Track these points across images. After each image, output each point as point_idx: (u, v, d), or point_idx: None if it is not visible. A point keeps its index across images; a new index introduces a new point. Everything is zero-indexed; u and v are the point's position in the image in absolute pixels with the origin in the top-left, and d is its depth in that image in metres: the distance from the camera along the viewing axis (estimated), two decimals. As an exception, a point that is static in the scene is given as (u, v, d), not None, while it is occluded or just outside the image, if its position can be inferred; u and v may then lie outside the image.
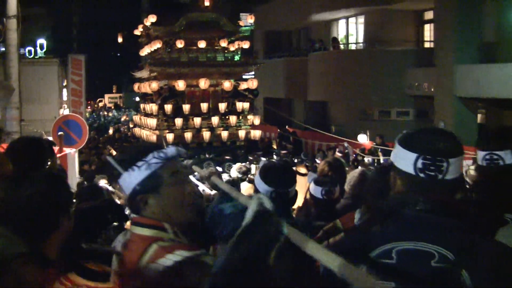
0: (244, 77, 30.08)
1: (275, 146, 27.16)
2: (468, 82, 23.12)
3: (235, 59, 28.12)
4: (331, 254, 1.68)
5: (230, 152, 25.91)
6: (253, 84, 27.86)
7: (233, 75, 28.10)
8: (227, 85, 27.07)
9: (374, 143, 22.85)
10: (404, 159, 2.41)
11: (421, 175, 2.35)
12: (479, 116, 25.49)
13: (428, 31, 30.13)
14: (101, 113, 62.85)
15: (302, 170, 6.98)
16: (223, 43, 27.51)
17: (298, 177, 6.48)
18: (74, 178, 12.58)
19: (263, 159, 19.58)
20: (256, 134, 27.73)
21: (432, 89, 25.77)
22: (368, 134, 24.80)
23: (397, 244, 2.26)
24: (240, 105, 27.52)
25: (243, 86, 27.93)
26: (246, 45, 28.15)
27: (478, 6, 24.10)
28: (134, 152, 2.81)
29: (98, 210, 4.53)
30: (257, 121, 28.18)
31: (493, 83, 21.48)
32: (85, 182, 13.99)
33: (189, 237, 2.85)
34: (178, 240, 2.71)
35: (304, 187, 6.32)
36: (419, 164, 2.35)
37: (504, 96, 21.09)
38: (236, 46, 27.99)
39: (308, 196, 5.80)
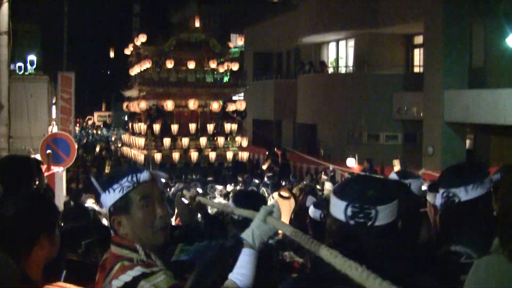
0: (233, 98, 30.10)
1: (264, 167, 27.12)
2: (457, 107, 23.21)
3: (224, 81, 28.29)
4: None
5: (217, 173, 25.90)
6: (241, 105, 28.12)
7: (221, 96, 28.28)
8: (215, 106, 27.31)
9: (363, 167, 22.84)
10: (336, 207, 2.50)
11: (351, 222, 2.44)
12: (467, 141, 25.56)
13: (418, 56, 30.25)
14: (89, 131, 62.72)
15: (285, 193, 7.04)
16: (212, 64, 27.66)
17: (282, 200, 6.59)
18: (61, 197, 12.51)
19: (256, 181, 19.48)
20: (243, 155, 27.92)
21: (421, 114, 25.85)
22: (356, 157, 24.83)
23: (329, 285, 2.34)
24: (228, 127, 27.64)
25: (232, 107, 28.11)
26: (235, 66, 28.21)
27: (467, 32, 24.28)
28: (112, 175, 3.01)
29: (81, 232, 4.50)
30: (245, 142, 28.43)
31: (481, 109, 21.57)
32: (72, 202, 13.92)
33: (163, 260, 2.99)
34: (149, 262, 2.83)
35: (289, 210, 6.37)
36: (349, 212, 2.44)
37: (492, 121, 21.18)
38: (225, 68, 28.08)
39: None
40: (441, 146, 23.99)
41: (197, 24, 27.99)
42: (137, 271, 2.69)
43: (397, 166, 21.34)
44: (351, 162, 24.57)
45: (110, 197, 2.88)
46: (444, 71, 24.03)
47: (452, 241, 3.23)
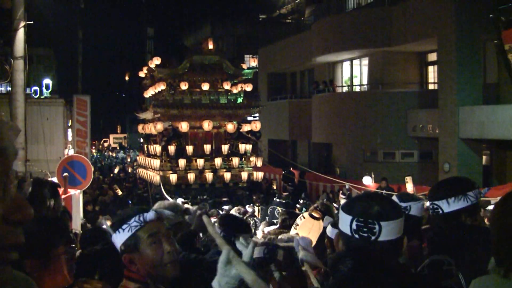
0: (248, 119, 30.22)
1: (275, 187, 27.24)
2: (472, 123, 23.17)
3: (238, 102, 28.39)
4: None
5: (232, 193, 25.95)
6: (256, 126, 28.30)
7: (236, 117, 28.34)
8: (230, 127, 27.42)
9: (379, 186, 22.75)
10: (343, 221, 2.71)
11: (356, 236, 2.63)
12: (483, 157, 25.49)
13: (432, 73, 30.23)
14: (105, 153, 63.01)
15: (316, 214, 7.15)
16: (226, 86, 27.73)
17: (312, 221, 6.67)
18: (78, 219, 12.59)
19: (277, 200, 19.49)
20: (258, 175, 27.92)
21: (436, 131, 25.80)
22: (372, 176, 24.78)
23: None
24: (243, 147, 27.70)
25: (246, 128, 28.30)
26: (248, 87, 28.38)
27: (480, 48, 24.27)
28: (120, 216, 3.18)
29: (98, 256, 4.55)
30: (259, 163, 28.38)
31: (497, 124, 21.52)
32: (88, 224, 13.99)
33: None
34: None
35: (318, 231, 6.41)
36: (354, 226, 2.63)
37: (508, 137, 21.12)
38: (239, 89, 28.25)
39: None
40: (457, 162, 23.91)
41: (211, 46, 28.21)
42: None
43: (409, 183, 21.32)
44: (368, 181, 24.51)
45: (120, 237, 3.09)
46: (458, 88, 24.01)
47: (434, 251, 3.48)
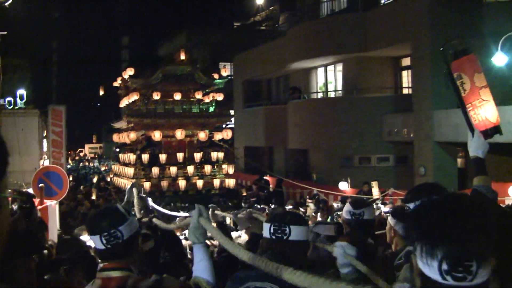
0: (221, 126, 30.73)
1: (244, 194, 27.81)
2: (447, 127, 23.29)
3: (210, 111, 29.07)
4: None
5: (206, 200, 26.19)
6: (227, 134, 29.13)
7: (207, 126, 28.92)
8: (202, 135, 27.86)
9: (361, 190, 22.76)
10: (265, 228, 3.54)
11: (273, 237, 3.44)
12: (459, 160, 25.65)
13: (406, 77, 30.40)
14: (81, 163, 62.72)
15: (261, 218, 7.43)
16: (198, 95, 28.55)
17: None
18: (54, 230, 12.49)
19: (258, 206, 19.68)
20: (230, 182, 28.48)
21: (411, 135, 25.93)
22: (349, 181, 24.87)
23: (253, 283, 3.28)
24: (215, 155, 28.43)
25: (218, 136, 29.05)
26: (220, 97, 29.11)
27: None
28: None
29: (62, 261, 4.55)
30: (231, 170, 29.01)
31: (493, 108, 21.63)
32: (63, 235, 13.91)
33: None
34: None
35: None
36: (271, 229, 3.46)
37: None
38: (211, 98, 29.03)
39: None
40: (433, 166, 24.04)
41: (183, 57, 28.81)
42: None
43: (375, 188, 21.51)
44: (344, 186, 24.61)
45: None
46: (432, 92, 24.14)
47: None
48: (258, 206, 19.83)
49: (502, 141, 20.64)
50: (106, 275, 3.32)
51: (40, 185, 12.50)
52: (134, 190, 8.89)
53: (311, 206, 19.07)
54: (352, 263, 3.40)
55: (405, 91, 30.21)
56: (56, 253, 6.53)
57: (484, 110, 4.38)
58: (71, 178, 35.72)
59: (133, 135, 27.99)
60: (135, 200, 8.63)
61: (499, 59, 18.87)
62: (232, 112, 39.95)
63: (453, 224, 2.02)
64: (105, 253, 3.36)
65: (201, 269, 3.42)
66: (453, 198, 2.14)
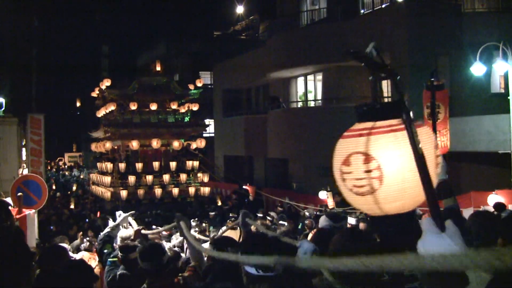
0: (195, 136, 31.43)
1: (219, 203, 28.06)
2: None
3: (185, 120, 30.03)
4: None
5: (181, 208, 26.54)
6: (201, 143, 29.80)
7: (183, 135, 29.98)
8: (176, 144, 28.84)
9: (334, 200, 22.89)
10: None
11: None
12: (437, 170, 25.74)
13: (386, 87, 30.50)
14: (61, 172, 62.51)
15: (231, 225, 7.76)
16: (174, 105, 29.37)
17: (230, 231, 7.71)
18: (33, 239, 12.42)
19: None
20: (205, 190, 29.31)
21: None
22: (329, 190, 24.89)
23: None
24: (190, 164, 29.40)
25: (193, 145, 29.93)
26: (195, 107, 29.95)
27: (432, 61, 24.55)
28: None
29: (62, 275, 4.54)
30: (206, 178, 29.89)
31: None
32: (42, 244, 13.82)
33: None
34: None
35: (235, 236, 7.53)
36: None
37: (461, 149, 21.37)
38: (186, 108, 29.92)
39: None
40: (412, 175, 24.09)
41: (159, 68, 29.60)
42: None
43: (330, 198, 21.74)
44: (323, 195, 24.63)
45: None
46: (411, 101, 24.25)
47: None
48: (230, 215, 20.06)
49: (481, 150, 20.81)
50: None
51: (19, 194, 12.39)
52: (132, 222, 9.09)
53: (274, 215, 19.60)
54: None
55: (385, 101, 30.27)
56: (40, 262, 6.44)
57: (446, 139, 4.94)
58: (54, 187, 35.79)
59: (108, 145, 28.68)
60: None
61: (477, 69, 19.04)
62: (208, 121, 40.36)
63: None
64: None
65: None
66: None
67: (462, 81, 23.66)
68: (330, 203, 21.81)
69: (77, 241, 14.60)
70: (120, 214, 8.77)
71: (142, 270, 5.32)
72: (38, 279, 4.47)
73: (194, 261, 6.24)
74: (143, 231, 7.78)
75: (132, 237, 7.75)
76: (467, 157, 22.17)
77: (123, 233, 7.96)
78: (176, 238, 11.69)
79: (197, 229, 14.08)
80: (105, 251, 7.90)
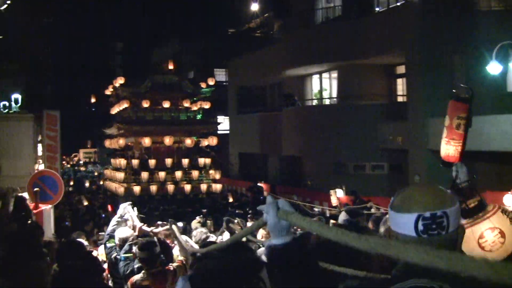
0: (218, 133, 31.55)
1: (231, 200, 28.42)
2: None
3: (197, 118, 30.65)
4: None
5: (192, 204, 26.85)
6: (213, 141, 30.05)
7: (195, 132, 30.33)
8: (188, 142, 29.20)
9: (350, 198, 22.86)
10: None
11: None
12: (453, 169, 25.62)
13: (401, 85, 30.42)
14: (76, 167, 62.77)
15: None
16: (186, 103, 29.77)
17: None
18: (49, 234, 12.49)
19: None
20: (217, 187, 29.65)
21: (406, 143, 25.93)
22: (343, 188, 24.87)
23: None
24: (202, 161, 29.71)
25: (205, 143, 30.15)
26: (207, 105, 30.36)
27: (447, 60, 24.44)
28: None
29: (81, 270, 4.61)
30: (218, 175, 30.21)
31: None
32: (58, 239, 13.91)
33: None
34: None
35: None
36: None
37: (476, 148, 21.27)
38: (198, 106, 30.33)
39: None
40: (427, 174, 24.00)
41: (171, 67, 30.01)
42: None
43: (333, 196, 21.73)
44: (339, 193, 24.61)
45: None
46: (426, 100, 24.17)
47: None
48: (237, 211, 20.36)
49: (496, 149, 20.74)
50: None
51: (36, 189, 12.46)
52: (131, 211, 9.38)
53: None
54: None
55: (399, 99, 30.21)
56: (58, 257, 6.59)
57: (461, 147, 5.15)
58: (72, 183, 36.10)
59: (122, 141, 29.27)
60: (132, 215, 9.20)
61: (493, 68, 18.93)
62: (222, 118, 40.60)
63: None
64: None
65: None
66: None
67: (477, 80, 23.52)
68: (334, 201, 21.82)
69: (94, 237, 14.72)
70: (125, 207, 9.29)
71: (140, 259, 6.86)
72: (55, 273, 4.54)
73: (182, 256, 7.67)
74: (144, 228, 8.47)
75: (131, 237, 8.13)
76: (482, 156, 22.07)
77: (121, 233, 8.42)
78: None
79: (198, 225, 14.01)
80: (108, 245, 8.59)
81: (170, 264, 7.36)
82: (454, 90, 5.42)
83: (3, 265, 3.03)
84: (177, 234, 8.08)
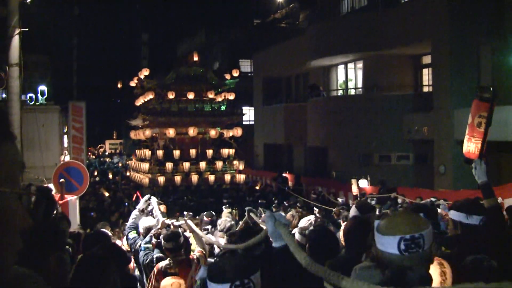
0: (244, 124, 31.72)
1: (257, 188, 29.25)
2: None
3: (221, 109, 30.74)
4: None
5: (216, 195, 27.09)
6: (237, 132, 30.29)
7: (219, 124, 30.64)
8: (212, 133, 29.58)
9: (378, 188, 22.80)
10: None
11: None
12: (472, 165, 25.42)
13: (426, 76, 30.21)
14: (102, 159, 63.09)
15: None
16: (210, 95, 29.93)
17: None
18: (75, 225, 12.58)
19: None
20: (241, 178, 29.85)
21: (432, 133, 25.78)
22: (369, 179, 24.83)
23: None
24: (226, 151, 30.06)
25: (229, 134, 30.38)
26: (231, 96, 30.55)
27: (474, 50, 24.26)
28: None
29: (102, 257, 4.63)
30: (241, 166, 30.41)
31: (491, 126, 21.50)
32: (82, 230, 14.02)
33: None
34: None
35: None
36: None
37: (502, 139, 21.12)
38: (223, 97, 30.41)
39: None
40: (453, 164, 23.87)
41: (196, 58, 30.26)
42: None
43: (354, 185, 21.80)
44: (363, 183, 24.58)
45: None
46: (452, 90, 24.02)
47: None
48: (260, 201, 20.59)
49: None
50: None
51: (61, 180, 12.56)
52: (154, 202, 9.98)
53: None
54: (283, 235, 2.99)
55: (425, 89, 30.02)
56: (83, 247, 6.76)
57: (481, 144, 5.64)
58: (95, 173, 36.38)
59: (148, 132, 29.59)
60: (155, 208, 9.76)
61: (520, 57, 18.76)
62: (247, 109, 40.84)
63: None
64: None
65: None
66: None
67: (504, 70, 23.38)
68: (355, 191, 21.93)
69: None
70: (146, 200, 9.97)
71: (166, 249, 7.27)
72: (79, 263, 4.58)
73: (200, 247, 8.19)
74: (166, 221, 8.81)
75: (156, 227, 8.61)
76: (508, 146, 21.91)
77: (145, 223, 8.95)
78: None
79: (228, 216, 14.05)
80: (131, 236, 9.16)
81: (192, 253, 7.82)
82: (477, 90, 5.72)
83: (24, 256, 3.03)
84: (194, 227, 8.69)
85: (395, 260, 2.89)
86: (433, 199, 13.73)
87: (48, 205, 5.20)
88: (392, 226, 2.95)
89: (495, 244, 4.34)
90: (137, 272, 8.62)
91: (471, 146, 5.84)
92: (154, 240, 8.07)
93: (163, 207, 12.66)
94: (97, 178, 35.89)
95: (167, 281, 6.93)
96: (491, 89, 5.89)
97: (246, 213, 9.30)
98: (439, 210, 9.84)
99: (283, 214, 8.06)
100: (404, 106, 28.21)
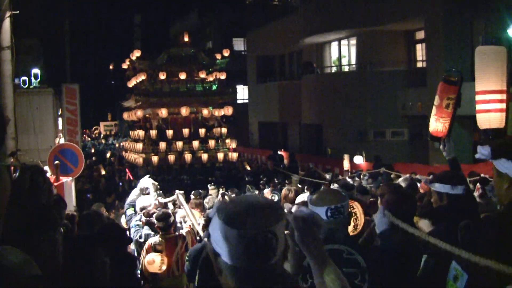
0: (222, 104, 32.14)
1: (248, 168, 29.60)
2: (461, 101, 23.14)
3: (213, 89, 31.01)
4: None
5: (209, 173, 27.73)
6: (228, 111, 30.25)
7: (211, 103, 30.77)
8: (205, 112, 29.95)
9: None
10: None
11: None
12: (475, 134, 25.51)
13: (420, 51, 30.19)
14: (97, 140, 63.10)
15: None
16: (202, 75, 30.08)
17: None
18: (71, 206, 12.58)
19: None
20: (233, 156, 30.14)
21: (426, 109, 25.77)
22: (364, 155, 24.86)
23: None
24: (218, 130, 30.47)
25: (221, 113, 30.48)
26: (223, 76, 30.75)
27: (467, 25, 24.24)
28: None
29: (88, 239, 4.63)
30: (234, 144, 31.01)
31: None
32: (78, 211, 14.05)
33: None
34: None
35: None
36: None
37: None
38: (214, 77, 30.67)
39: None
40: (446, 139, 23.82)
41: (186, 39, 30.60)
42: None
43: (346, 161, 22.01)
44: (359, 160, 24.62)
45: None
46: (446, 65, 23.97)
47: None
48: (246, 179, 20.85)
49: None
50: None
51: (56, 162, 12.55)
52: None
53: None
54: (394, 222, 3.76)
55: (419, 65, 30.00)
56: (78, 227, 6.82)
57: (448, 123, 6.67)
58: (94, 158, 36.43)
59: (140, 113, 29.98)
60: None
61: (514, 31, 18.71)
62: (242, 88, 41.11)
63: None
64: None
65: None
66: None
67: (497, 45, 23.32)
68: (346, 166, 22.17)
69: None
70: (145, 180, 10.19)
71: (157, 227, 7.93)
72: (74, 244, 4.59)
73: (189, 221, 8.67)
74: (160, 200, 9.48)
75: (150, 205, 9.08)
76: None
77: (142, 202, 9.32)
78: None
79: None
80: (128, 213, 9.54)
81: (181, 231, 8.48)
82: (445, 74, 6.18)
83: (16, 237, 3.06)
84: (183, 202, 9.27)
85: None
86: (412, 175, 13.89)
87: (41, 187, 5.19)
88: (321, 199, 3.86)
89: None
90: (132, 246, 8.92)
91: (439, 125, 6.69)
92: (144, 218, 8.65)
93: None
94: (93, 159, 35.91)
95: (150, 257, 7.72)
96: (459, 72, 6.76)
97: (220, 196, 10.31)
98: (418, 185, 10.26)
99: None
100: (398, 82, 28.24)
